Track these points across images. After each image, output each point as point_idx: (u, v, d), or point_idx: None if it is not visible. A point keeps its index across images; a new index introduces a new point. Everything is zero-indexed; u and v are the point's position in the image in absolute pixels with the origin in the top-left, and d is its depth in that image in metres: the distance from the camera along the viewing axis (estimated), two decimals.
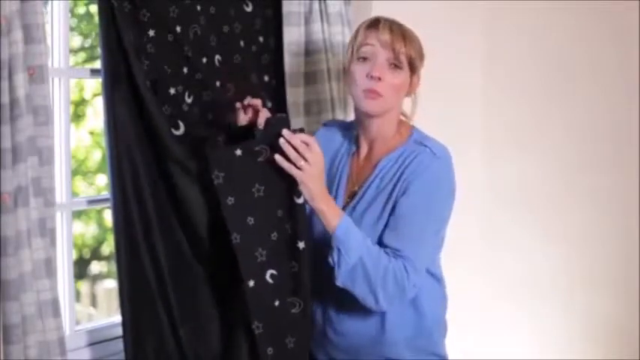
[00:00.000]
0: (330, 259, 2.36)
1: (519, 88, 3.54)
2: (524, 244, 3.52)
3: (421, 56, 2.47)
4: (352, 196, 2.49)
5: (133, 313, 2.43)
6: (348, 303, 2.42)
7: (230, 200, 2.37)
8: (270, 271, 2.40)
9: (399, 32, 2.42)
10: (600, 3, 3.39)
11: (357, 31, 2.47)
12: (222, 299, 2.56)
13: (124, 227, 2.42)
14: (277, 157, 2.34)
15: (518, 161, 3.53)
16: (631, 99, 3.40)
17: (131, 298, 2.43)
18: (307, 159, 2.33)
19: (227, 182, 2.37)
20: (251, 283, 2.38)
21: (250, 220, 2.39)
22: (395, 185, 2.41)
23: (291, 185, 2.38)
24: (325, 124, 2.68)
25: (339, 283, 2.37)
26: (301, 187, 2.36)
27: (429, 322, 2.51)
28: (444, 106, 3.24)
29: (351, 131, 2.57)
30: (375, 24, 2.44)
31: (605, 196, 3.45)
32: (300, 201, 2.39)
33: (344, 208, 2.47)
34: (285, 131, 2.34)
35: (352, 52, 2.45)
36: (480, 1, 3.47)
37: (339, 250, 2.35)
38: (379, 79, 2.40)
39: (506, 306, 3.54)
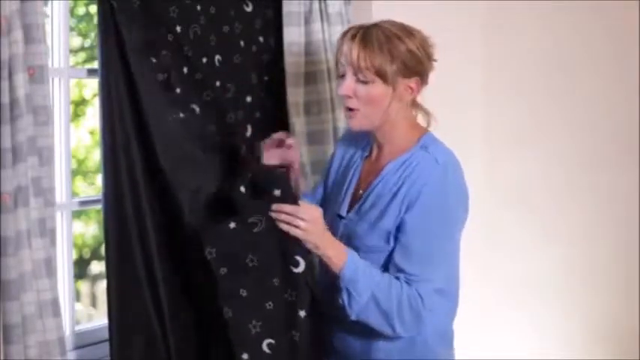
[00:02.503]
0: (339, 300, 2.34)
1: (519, 88, 3.54)
2: (524, 244, 3.52)
3: (392, 61, 2.33)
4: (358, 198, 2.47)
5: (121, 315, 2.41)
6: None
7: (222, 270, 2.35)
8: (267, 341, 2.37)
9: (362, 44, 2.32)
10: (600, 3, 3.39)
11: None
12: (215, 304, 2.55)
13: (116, 227, 2.41)
14: (279, 224, 2.33)
15: (519, 161, 3.53)
16: (631, 99, 3.40)
17: (120, 299, 2.41)
18: (303, 218, 2.33)
19: (220, 255, 2.36)
20: (245, 356, 2.34)
21: (243, 292, 2.36)
22: (396, 192, 2.37)
23: (286, 254, 2.37)
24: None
25: (353, 318, 2.35)
26: (305, 243, 2.34)
27: (427, 334, 2.44)
28: (445, 107, 3.23)
29: (369, 135, 2.51)
30: (341, 38, 2.38)
31: (605, 197, 3.45)
32: (298, 270, 2.37)
33: (349, 210, 2.47)
34: (274, 206, 2.33)
35: (335, 66, 2.44)
36: (480, 1, 3.46)
37: (348, 290, 2.33)
38: (348, 97, 2.36)
39: (506, 306, 3.54)
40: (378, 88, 2.35)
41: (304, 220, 2.32)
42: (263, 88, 2.84)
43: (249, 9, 2.79)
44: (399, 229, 2.35)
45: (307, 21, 2.86)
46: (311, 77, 2.87)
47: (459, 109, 3.40)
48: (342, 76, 2.38)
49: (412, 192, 2.33)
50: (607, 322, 3.44)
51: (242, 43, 2.76)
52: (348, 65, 2.35)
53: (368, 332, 2.41)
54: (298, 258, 2.36)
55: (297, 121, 2.86)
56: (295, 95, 2.85)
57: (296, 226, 2.32)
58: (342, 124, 2.89)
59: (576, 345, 3.47)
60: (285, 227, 2.33)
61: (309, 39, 2.87)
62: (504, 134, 3.54)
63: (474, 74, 3.51)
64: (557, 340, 3.50)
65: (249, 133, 2.79)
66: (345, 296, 2.33)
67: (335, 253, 2.34)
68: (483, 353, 3.50)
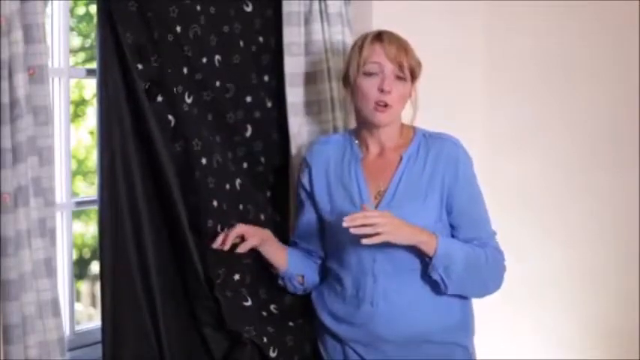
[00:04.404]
0: (436, 277, 2.52)
1: (520, 88, 3.53)
2: (524, 244, 3.51)
3: (419, 64, 2.60)
4: (380, 194, 2.59)
5: (115, 316, 2.41)
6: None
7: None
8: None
9: (401, 45, 2.56)
10: (600, 3, 3.39)
11: (362, 46, 2.57)
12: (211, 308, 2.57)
13: (111, 228, 2.40)
14: (364, 241, 2.42)
15: (519, 161, 3.53)
16: (631, 99, 3.40)
17: (114, 301, 2.41)
18: (378, 223, 2.41)
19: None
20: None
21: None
22: (432, 174, 2.56)
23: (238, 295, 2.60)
24: (316, 142, 2.74)
25: (449, 292, 2.55)
26: (394, 242, 2.46)
27: (469, 307, 2.67)
28: (445, 106, 3.24)
29: (348, 140, 2.68)
30: (378, 38, 2.56)
31: (605, 196, 3.45)
32: (248, 304, 2.60)
33: (376, 207, 2.56)
34: (346, 220, 2.41)
35: (358, 66, 2.56)
36: (481, 1, 3.46)
37: (445, 265, 2.51)
38: (389, 92, 2.53)
39: (505, 306, 3.54)
40: (408, 86, 2.59)
41: (379, 225, 2.42)
42: (263, 88, 2.84)
43: (249, 9, 2.79)
44: (449, 207, 2.57)
45: (307, 21, 2.86)
46: (311, 77, 2.87)
47: (459, 110, 3.40)
48: (369, 75, 2.55)
49: (450, 171, 2.57)
50: (607, 322, 3.44)
51: (242, 43, 2.76)
52: (390, 63, 2.54)
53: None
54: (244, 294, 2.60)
55: (297, 121, 2.86)
56: (295, 95, 2.85)
57: (377, 234, 2.42)
58: (341, 123, 2.89)
59: (576, 345, 3.47)
60: (369, 241, 2.42)
61: (309, 39, 2.86)
62: (504, 135, 3.54)
63: (474, 74, 3.51)
64: (557, 340, 3.50)
65: (249, 133, 2.79)
66: (441, 272, 2.51)
67: (425, 237, 2.50)
68: (483, 353, 3.49)
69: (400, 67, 2.54)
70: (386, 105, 2.54)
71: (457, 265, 2.51)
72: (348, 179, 2.62)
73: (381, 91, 2.53)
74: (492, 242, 2.62)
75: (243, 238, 2.58)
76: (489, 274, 2.60)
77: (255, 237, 2.60)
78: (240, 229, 2.58)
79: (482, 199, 2.64)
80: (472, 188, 2.62)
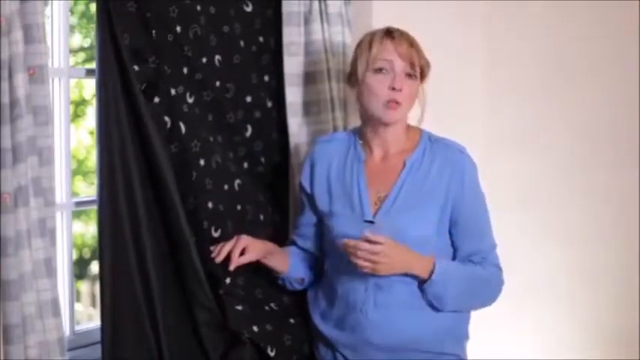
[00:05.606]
0: (428, 301, 2.51)
1: (520, 89, 3.53)
2: (523, 244, 3.51)
3: (428, 63, 2.57)
4: (380, 200, 2.54)
5: (114, 316, 2.41)
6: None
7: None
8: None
9: (412, 43, 2.53)
10: (600, 3, 3.39)
11: (371, 43, 2.53)
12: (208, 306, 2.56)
13: (110, 228, 2.40)
14: (359, 262, 2.40)
15: (519, 161, 3.53)
16: (631, 99, 3.40)
17: (113, 300, 2.41)
18: (377, 262, 2.40)
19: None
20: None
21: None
22: (435, 182, 2.52)
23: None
24: (320, 140, 2.70)
25: (444, 311, 2.54)
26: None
27: (466, 317, 2.65)
28: (445, 107, 3.24)
29: (352, 139, 2.63)
30: (389, 35, 2.52)
31: (605, 196, 3.45)
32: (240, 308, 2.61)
33: (375, 213, 2.53)
34: (348, 244, 2.41)
35: (367, 63, 2.52)
36: (481, 2, 3.47)
37: (437, 295, 2.49)
38: (401, 90, 2.49)
39: (505, 306, 3.54)
40: (417, 84, 2.55)
41: (378, 262, 2.40)
42: (263, 88, 2.84)
43: (249, 9, 2.79)
44: (455, 220, 2.54)
45: (307, 21, 2.86)
46: (310, 77, 2.87)
47: (459, 110, 3.40)
48: (379, 72, 2.51)
49: (455, 182, 2.53)
50: (607, 322, 3.44)
51: (242, 43, 2.76)
52: (402, 60, 2.50)
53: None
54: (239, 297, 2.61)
55: (297, 121, 2.86)
56: (295, 95, 2.85)
57: (374, 268, 2.42)
58: (341, 123, 2.89)
59: (576, 345, 3.47)
60: (364, 267, 2.42)
61: (309, 39, 2.86)
62: (504, 135, 3.54)
63: (474, 74, 3.51)
64: (557, 340, 3.50)
65: (249, 133, 2.79)
66: (432, 298, 2.50)
67: (419, 265, 2.47)
68: (483, 353, 3.49)
69: (411, 64, 2.51)
70: (397, 102, 2.50)
71: (450, 291, 2.49)
72: (349, 182, 2.58)
73: (393, 89, 2.50)
74: (491, 256, 2.59)
75: (243, 251, 2.54)
76: (486, 294, 2.61)
77: (254, 253, 2.55)
78: (242, 242, 2.54)
79: (486, 210, 2.61)
80: (477, 200, 2.59)
